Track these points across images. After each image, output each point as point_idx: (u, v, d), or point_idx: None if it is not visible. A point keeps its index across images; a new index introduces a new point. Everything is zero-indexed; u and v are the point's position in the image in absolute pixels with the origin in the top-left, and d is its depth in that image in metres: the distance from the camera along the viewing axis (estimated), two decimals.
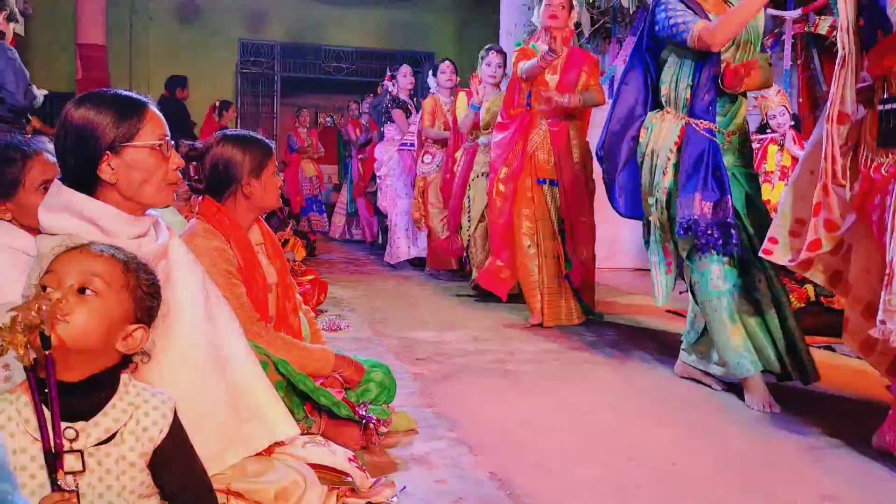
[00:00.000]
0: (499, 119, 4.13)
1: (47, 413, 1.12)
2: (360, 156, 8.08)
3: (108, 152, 1.42)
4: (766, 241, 2.39)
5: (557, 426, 2.37)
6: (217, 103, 8.28)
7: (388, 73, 7.13)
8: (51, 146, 2.17)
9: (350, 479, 1.68)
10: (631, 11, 4.54)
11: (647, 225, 2.96)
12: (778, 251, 2.34)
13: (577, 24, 5.97)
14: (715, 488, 1.91)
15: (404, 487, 1.82)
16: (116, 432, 1.18)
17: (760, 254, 2.42)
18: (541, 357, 3.27)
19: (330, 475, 1.67)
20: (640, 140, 2.88)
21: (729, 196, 2.61)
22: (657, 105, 2.89)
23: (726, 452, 2.17)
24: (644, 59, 2.93)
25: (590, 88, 3.93)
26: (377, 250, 7.47)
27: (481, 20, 10.18)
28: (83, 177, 1.43)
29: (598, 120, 3.69)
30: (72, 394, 1.15)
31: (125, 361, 1.24)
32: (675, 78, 2.78)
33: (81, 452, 1.14)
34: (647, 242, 2.98)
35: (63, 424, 1.14)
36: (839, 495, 1.88)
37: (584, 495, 1.86)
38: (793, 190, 2.34)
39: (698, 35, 2.61)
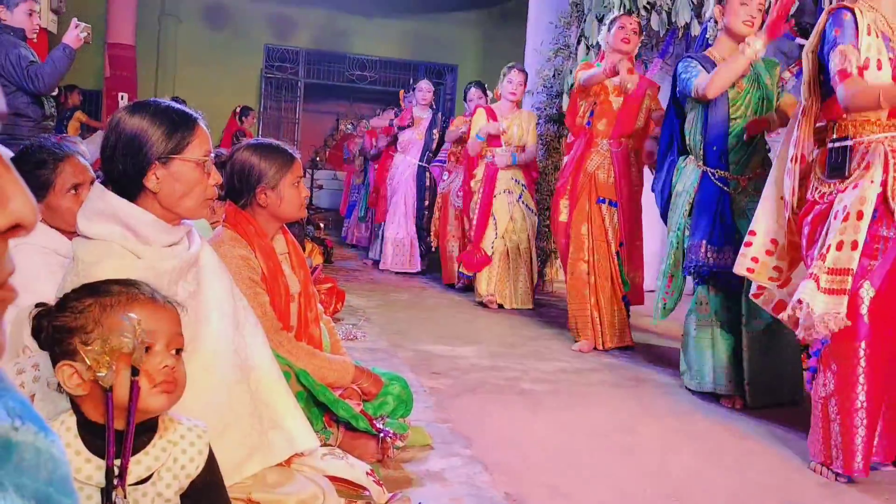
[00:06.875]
0: (570, 138, 4.17)
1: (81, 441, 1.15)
2: (374, 165, 8.15)
3: (156, 162, 1.45)
4: (747, 259, 2.59)
5: (572, 447, 2.37)
6: (238, 108, 8.55)
7: (402, 91, 7.34)
8: (83, 148, 2.20)
9: (367, 493, 1.69)
10: (661, 34, 4.50)
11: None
12: (759, 269, 2.59)
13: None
14: None
15: None
16: (154, 471, 1.19)
17: (737, 270, 2.63)
18: (556, 376, 3.26)
19: (348, 488, 1.67)
20: (673, 180, 3.23)
21: (731, 246, 2.91)
22: (683, 150, 3.22)
23: (743, 481, 2.15)
24: (671, 109, 3.28)
25: (652, 112, 3.92)
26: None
27: (506, 35, 10.22)
28: (128, 183, 1.45)
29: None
30: (118, 439, 1.15)
31: None
32: (692, 130, 3.12)
33: (123, 490, 1.15)
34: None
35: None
36: None
37: None
38: (765, 211, 2.59)
39: (695, 86, 2.95)
